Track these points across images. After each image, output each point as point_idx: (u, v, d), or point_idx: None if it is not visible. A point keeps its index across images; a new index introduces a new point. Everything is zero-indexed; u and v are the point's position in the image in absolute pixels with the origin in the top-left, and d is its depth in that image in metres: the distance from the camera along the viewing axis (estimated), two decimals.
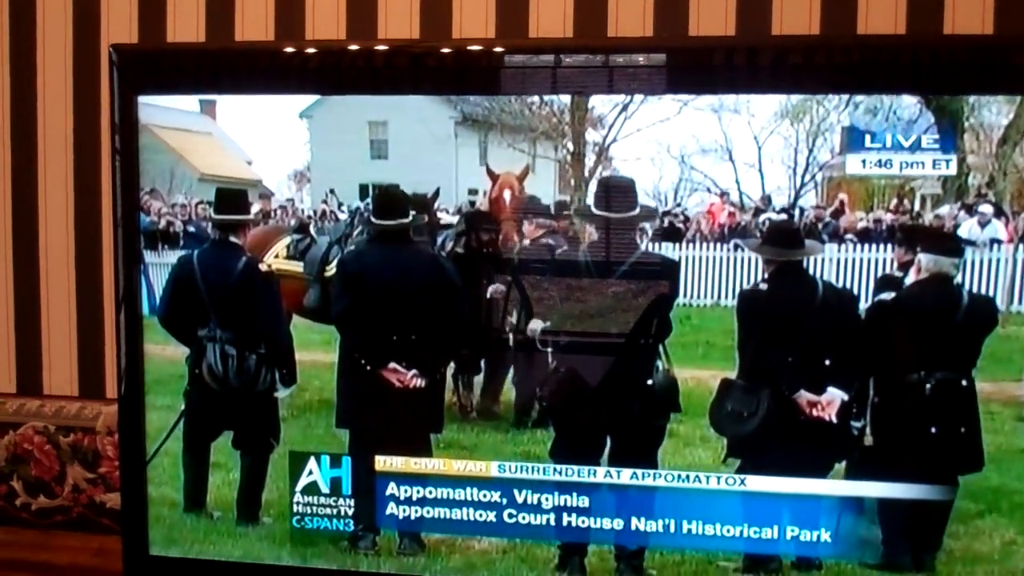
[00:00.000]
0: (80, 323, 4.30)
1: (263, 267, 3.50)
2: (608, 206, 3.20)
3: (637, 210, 3.19)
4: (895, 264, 3.15)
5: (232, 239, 3.48)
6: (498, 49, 3.19)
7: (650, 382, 3.20)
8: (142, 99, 3.30)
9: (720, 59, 3.09)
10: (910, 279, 3.12)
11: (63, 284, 4.27)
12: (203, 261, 3.47)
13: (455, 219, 3.39)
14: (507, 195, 3.34)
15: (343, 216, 3.48)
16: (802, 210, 3.17)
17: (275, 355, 3.44)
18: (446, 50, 3.26)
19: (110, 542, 3.55)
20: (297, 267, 3.62)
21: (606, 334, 3.19)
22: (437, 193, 3.36)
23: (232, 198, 3.50)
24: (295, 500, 3.37)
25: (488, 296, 3.46)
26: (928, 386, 3.12)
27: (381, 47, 3.33)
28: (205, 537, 3.51)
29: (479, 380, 3.62)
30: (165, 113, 3.39)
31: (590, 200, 3.21)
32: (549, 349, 3.21)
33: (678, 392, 3.26)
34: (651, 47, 3.18)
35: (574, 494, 3.20)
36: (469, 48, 3.22)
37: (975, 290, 3.10)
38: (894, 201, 3.10)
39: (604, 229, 3.21)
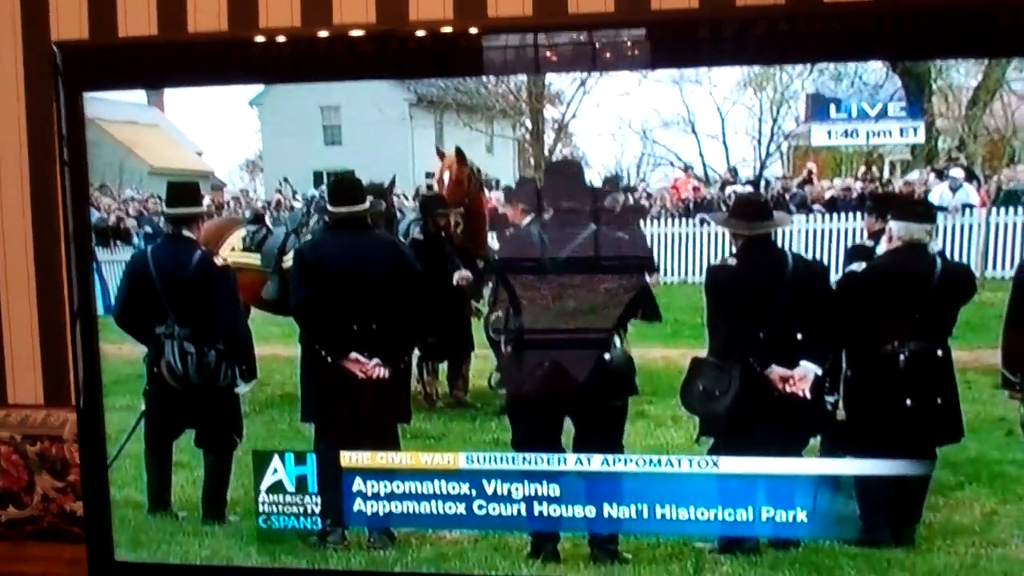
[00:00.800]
0: (42, 329, 4.15)
1: (218, 260, 3.36)
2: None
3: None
4: (866, 233, 3.03)
5: (186, 233, 3.34)
6: (454, 30, 3.04)
7: (607, 356, 3.07)
8: (88, 93, 3.13)
9: (685, 32, 2.95)
10: (882, 248, 3.00)
11: (23, 289, 4.12)
12: (157, 257, 3.33)
13: (414, 204, 3.27)
14: (446, 176, 3.23)
15: (298, 205, 3.36)
16: (768, 181, 3.05)
17: (234, 350, 3.31)
18: (407, 32, 3.10)
19: (82, 551, 3.42)
20: (254, 259, 3.52)
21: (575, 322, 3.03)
22: (393, 182, 3.24)
23: (184, 191, 3.36)
24: (260, 500, 3.23)
25: (455, 283, 3.34)
26: (902, 357, 3.01)
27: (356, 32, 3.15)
28: (171, 537, 3.37)
29: (444, 368, 3.51)
30: (112, 107, 3.25)
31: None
32: (504, 337, 3.07)
33: (634, 371, 3.13)
34: (615, 22, 3.03)
35: (544, 483, 3.07)
36: (437, 30, 3.05)
37: (949, 257, 2.99)
38: (862, 169, 2.98)
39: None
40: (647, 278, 3.10)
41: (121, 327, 3.33)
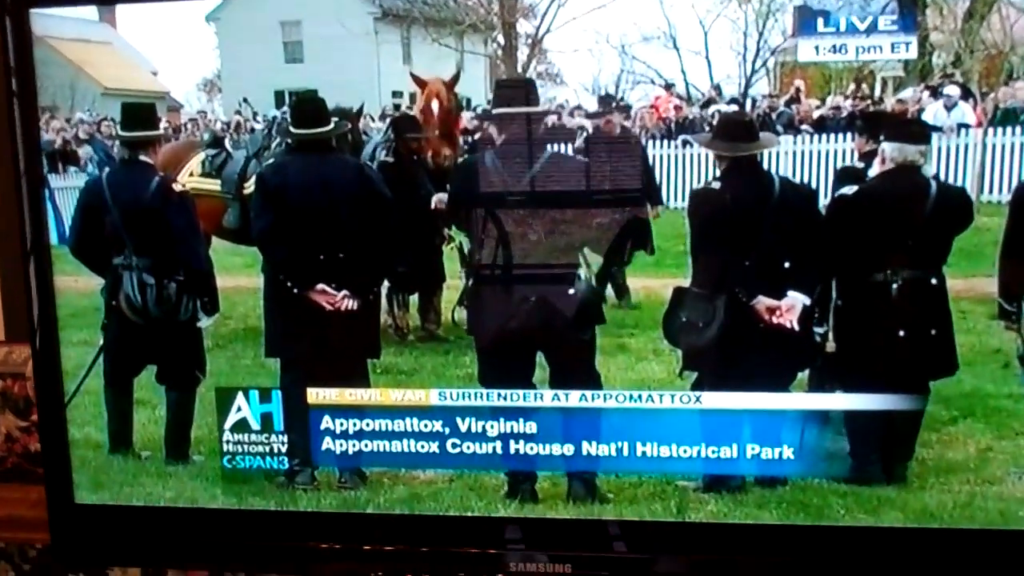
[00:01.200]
0: (1, 263, 4.21)
1: (177, 187, 3.45)
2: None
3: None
4: (856, 155, 3.10)
5: (142, 158, 3.42)
6: None
7: (571, 291, 3.15)
8: (35, 9, 3.18)
9: None
10: (874, 170, 3.08)
11: None
12: (113, 183, 3.41)
13: (382, 126, 3.33)
14: (435, 105, 3.29)
15: (259, 127, 3.43)
16: (754, 100, 3.11)
17: (195, 282, 3.42)
18: None
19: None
20: (214, 185, 3.59)
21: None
22: (361, 110, 3.31)
23: (139, 113, 3.43)
24: (224, 439, 3.34)
25: (432, 207, 3.41)
26: (895, 286, 3.10)
27: None
28: (134, 479, 3.48)
29: (416, 300, 3.60)
30: (61, 23, 3.30)
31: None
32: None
33: (601, 301, 3.24)
34: None
35: (520, 420, 3.17)
36: None
37: (944, 180, 3.05)
38: (852, 86, 3.03)
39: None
40: (648, 210, 3.16)
41: (76, 257, 3.41)
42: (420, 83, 3.22)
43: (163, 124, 3.34)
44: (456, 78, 3.19)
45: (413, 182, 3.33)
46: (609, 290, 3.29)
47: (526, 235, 3.06)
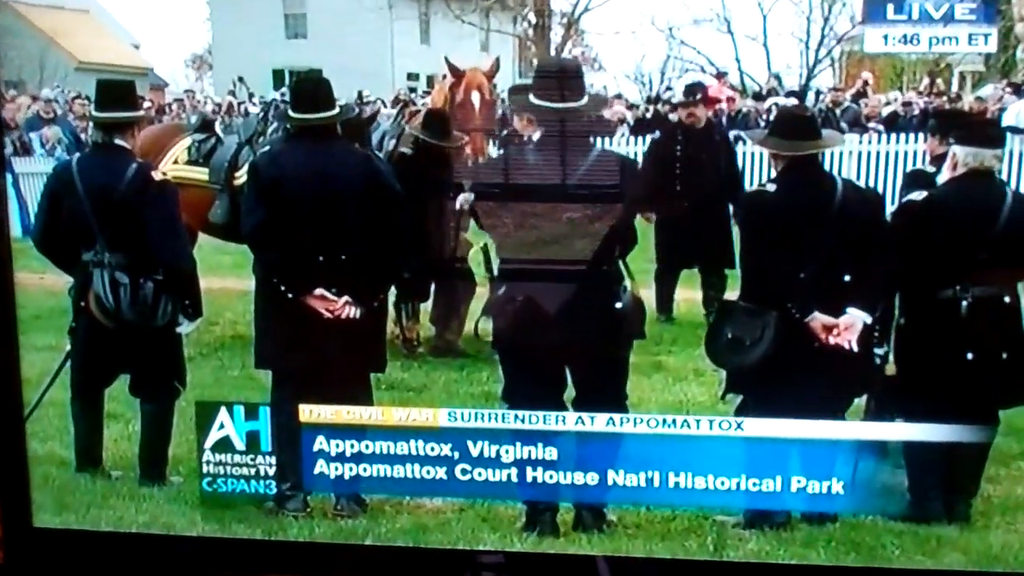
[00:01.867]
0: None
1: (157, 175, 3.19)
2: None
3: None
4: (927, 157, 2.91)
5: (119, 141, 3.16)
6: None
7: (619, 305, 2.91)
8: None
9: None
10: (944, 176, 2.88)
11: None
12: (84, 169, 3.14)
13: (392, 112, 3.10)
14: (475, 98, 3.06)
15: (254, 110, 3.19)
16: (818, 93, 2.86)
17: (175, 282, 3.16)
18: None
19: None
20: (201, 174, 3.37)
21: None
22: (375, 116, 3.08)
23: (117, 91, 3.15)
24: (205, 459, 3.08)
25: (458, 207, 3.18)
26: (964, 304, 2.87)
27: None
28: (103, 501, 3.22)
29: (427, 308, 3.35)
30: None
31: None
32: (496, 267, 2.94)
33: (644, 316, 2.99)
34: None
35: (539, 445, 2.92)
36: None
37: (1019, 188, 2.84)
38: (926, 81, 2.79)
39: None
40: None
41: (42, 252, 3.18)
42: (456, 72, 3.04)
43: (145, 104, 3.02)
44: (496, 67, 3.06)
45: (438, 178, 3.02)
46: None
47: (564, 237, 2.75)
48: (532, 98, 2.84)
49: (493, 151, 3.08)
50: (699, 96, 3.00)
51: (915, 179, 2.89)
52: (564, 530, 3.03)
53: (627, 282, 2.94)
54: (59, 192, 3.14)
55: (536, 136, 2.92)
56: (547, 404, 2.92)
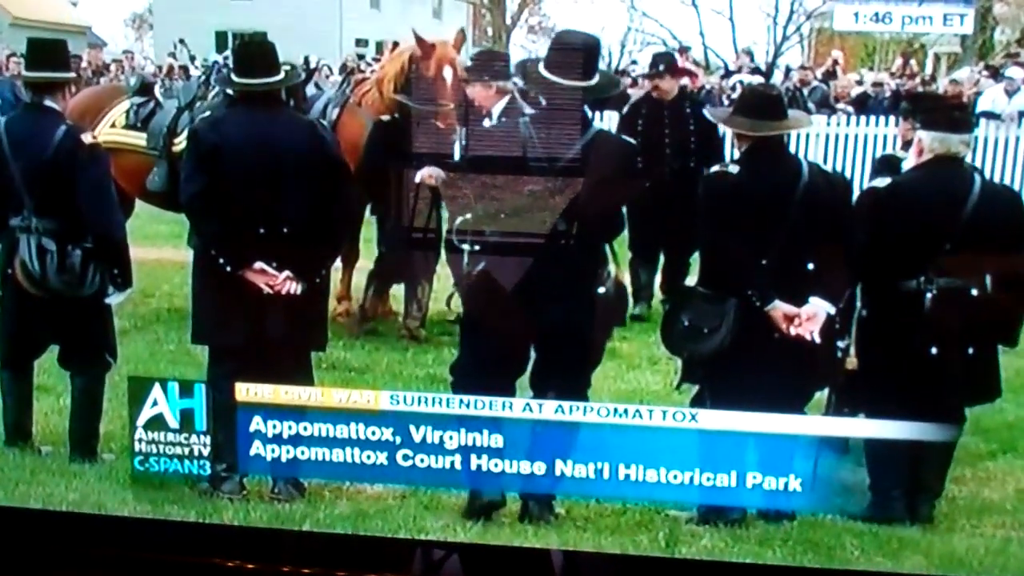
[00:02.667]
0: None
1: (87, 138, 3.06)
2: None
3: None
4: (899, 142, 2.79)
5: (48, 103, 3.04)
6: None
7: (601, 290, 2.81)
8: None
9: None
10: (909, 162, 2.80)
11: None
12: (12, 131, 3.02)
13: (338, 79, 2.98)
14: (448, 74, 2.99)
15: (195, 73, 3.04)
16: (787, 70, 2.75)
17: (105, 250, 3.03)
18: None
19: None
20: (138, 139, 3.23)
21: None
22: (312, 74, 2.96)
23: (48, 50, 3.02)
24: (137, 437, 2.94)
25: (418, 180, 3.10)
26: (928, 296, 2.77)
27: None
28: (32, 477, 3.11)
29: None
30: None
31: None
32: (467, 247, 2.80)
33: (627, 304, 2.92)
34: None
35: (485, 432, 2.79)
36: None
37: (992, 176, 2.74)
38: (899, 61, 2.68)
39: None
40: None
41: None
42: (425, 46, 2.96)
43: (82, 65, 2.88)
44: (463, 39, 2.99)
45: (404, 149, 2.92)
46: None
47: (531, 210, 2.66)
48: (543, 72, 2.74)
49: (489, 121, 2.95)
50: (663, 67, 2.89)
51: (885, 164, 2.83)
52: (510, 521, 2.94)
53: (612, 267, 2.84)
54: None
55: (497, 108, 2.81)
56: (500, 385, 2.82)
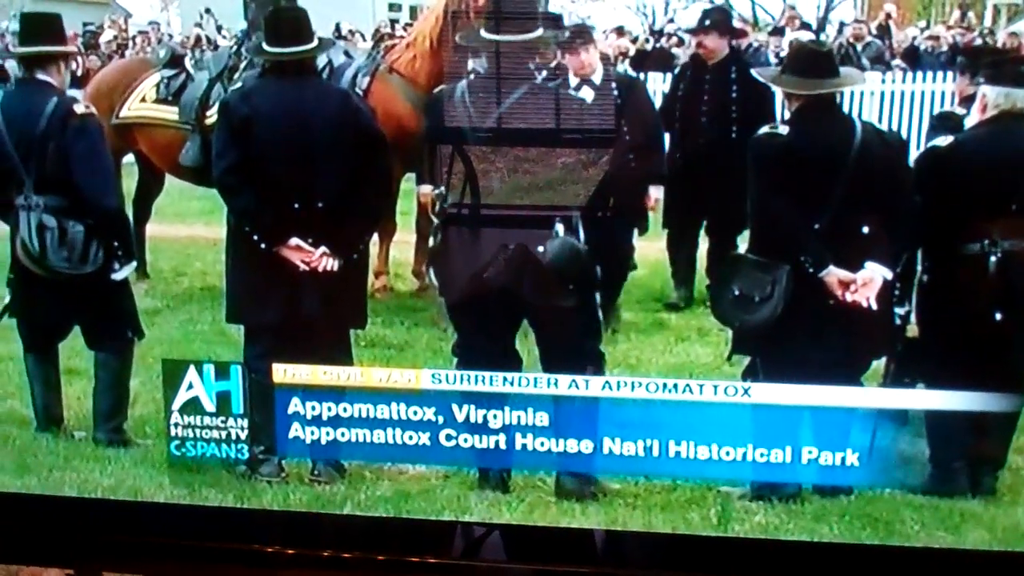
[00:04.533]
0: None
1: (79, 108, 3.04)
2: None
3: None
4: (956, 98, 2.77)
5: (41, 76, 3.03)
6: None
7: (540, 248, 2.77)
8: None
9: None
10: (972, 119, 2.72)
11: None
12: (7, 106, 3.03)
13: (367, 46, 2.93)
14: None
15: (225, 43, 2.99)
16: (841, 25, 2.67)
17: (104, 223, 3.02)
18: None
19: None
20: (171, 113, 3.21)
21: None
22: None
23: (40, 24, 3.01)
24: (173, 422, 2.92)
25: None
26: (993, 259, 2.72)
27: None
28: (66, 463, 3.11)
29: None
30: None
31: None
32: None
33: (579, 260, 2.81)
34: None
35: (530, 409, 2.75)
36: None
37: None
38: (956, 13, 2.61)
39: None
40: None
41: None
42: None
43: (107, 36, 2.85)
44: None
45: None
46: None
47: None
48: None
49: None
50: (709, 23, 2.81)
51: (943, 122, 2.74)
52: (556, 500, 2.89)
53: (559, 226, 2.77)
54: None
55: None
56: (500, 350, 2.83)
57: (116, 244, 3.00)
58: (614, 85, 3.01)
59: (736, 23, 2.77)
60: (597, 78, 3.03)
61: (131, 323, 3.09)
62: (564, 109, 2.72)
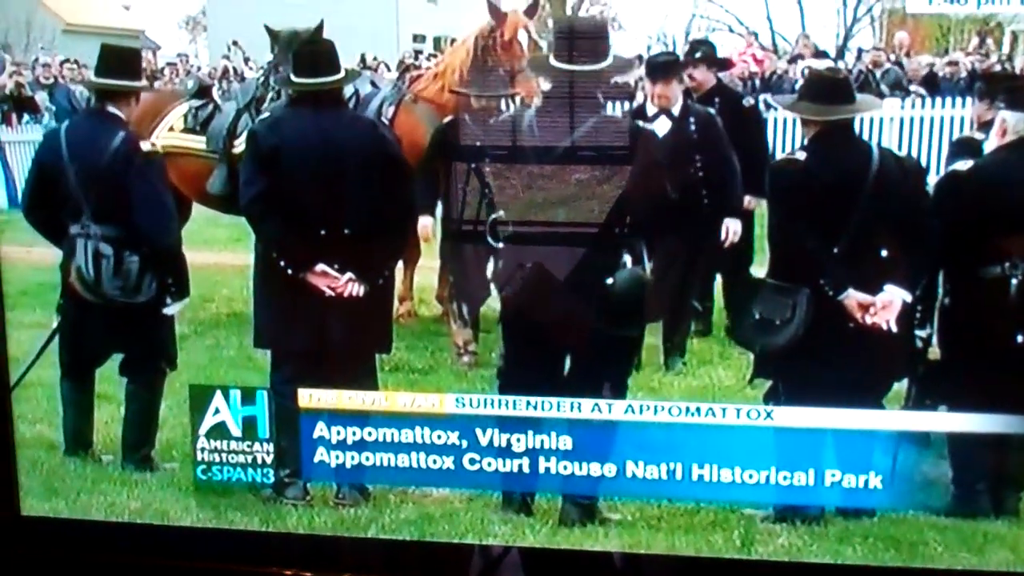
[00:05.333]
0: None
1: (145, 145, 3.13)
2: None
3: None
4: (975, 124, 2.79)
5: (112, 109, 3.09)
6: None
7: (610, 280, 2.81)
8: None
9: None
10: (991, 144, 2.75)
11: None
12: (72, 136, 3.07)
13: (393, 76, 2.98)
14: (523, 38, 2.94)
15: (252, 74, 3.05)
16: (859, 52, 2.72)
17: (160, 258, 3.08)
18: None
19: None
20: (198, 142, 3.27)
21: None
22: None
23: (121, 58, 3.06)
24: (199, 446, 2.99)
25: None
26: (1014, 282, 2.74)
27: None
28: (93, 486, 3.16)
29: None
30: None
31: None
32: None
33: (643, 295, 2.86)
34: None
35: (553, 433, 2.80)
36: None
37: None
38: (974, 40, 2.65)
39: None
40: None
41: (29, 222, 3.12)
42: (498, 14, 2.93)
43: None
44: (536, 7, 2.90)
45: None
46: None
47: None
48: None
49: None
50: (699, 55, 2.83)
51: (962, 147, 2.77)
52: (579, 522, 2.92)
53: (627, 257, 2.82)
54: (47, 160, 3.07)
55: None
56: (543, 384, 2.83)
57: (170, 280, 3.05)
58: (692, 119, 3.08)
59: (758, 51, 2.82)
60: (676, 109, 3.09)
61: (168, 356, 3.14)
62: (636, 140, 2.79)
